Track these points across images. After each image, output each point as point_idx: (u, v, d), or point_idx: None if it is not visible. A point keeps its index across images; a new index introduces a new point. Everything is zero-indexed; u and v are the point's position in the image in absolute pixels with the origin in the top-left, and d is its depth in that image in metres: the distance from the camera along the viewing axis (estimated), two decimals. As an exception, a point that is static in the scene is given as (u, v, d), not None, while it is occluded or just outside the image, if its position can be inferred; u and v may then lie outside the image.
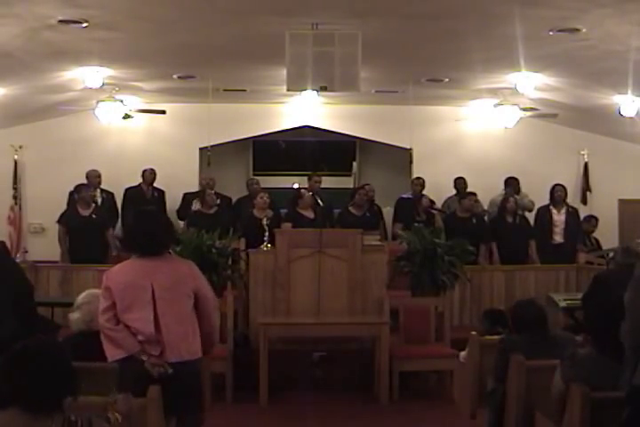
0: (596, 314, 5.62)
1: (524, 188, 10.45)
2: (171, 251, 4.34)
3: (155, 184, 10.36)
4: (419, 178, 10.35)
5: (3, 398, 2.63)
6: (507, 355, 4.46)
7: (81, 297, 4.52)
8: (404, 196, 10.38)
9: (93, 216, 9.12)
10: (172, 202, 10.36)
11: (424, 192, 10.08)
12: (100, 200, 9.62)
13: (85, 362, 3.92)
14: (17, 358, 2.68)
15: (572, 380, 3.71)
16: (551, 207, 9.77)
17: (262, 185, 10.38)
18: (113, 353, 3.95)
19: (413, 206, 9.64)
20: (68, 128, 10.58)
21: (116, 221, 9.80)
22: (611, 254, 7.81)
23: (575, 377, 3.68)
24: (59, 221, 9.23)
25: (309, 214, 8.74)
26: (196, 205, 9.55)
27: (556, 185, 9.82)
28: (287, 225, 8.63)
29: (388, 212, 10.33)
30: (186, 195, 10.27)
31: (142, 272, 4.03)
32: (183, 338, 4.00)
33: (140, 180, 10.26)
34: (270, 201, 8.95)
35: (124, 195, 10.22)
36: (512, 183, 10.36)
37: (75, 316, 4.47)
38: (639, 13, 5.84)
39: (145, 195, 10.20)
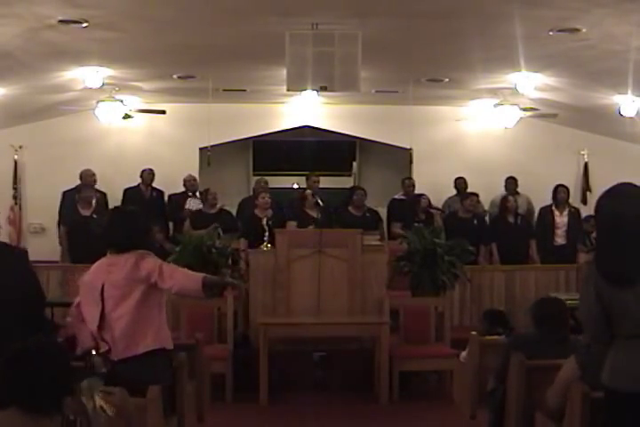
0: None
1: (524, 188, 10.44)
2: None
3: (155, 184, 10.36)
4: (410, 178, 10.36)
5: (2, 398, 2.63)
6: (514, 353, 4.43)
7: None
8: (397, 197, 10.37)
9: (94, 216, 9.12)
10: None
11: (425, 192, 10.06)
12: (94, 200, 9.60)
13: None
14: (16, 359, 2.68)
15: (588, 365, 3.68)
16: (553, 208, 9.74)
17: (262, 185, 10.39)
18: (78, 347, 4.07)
19: (412, 206, 9.63)
20: (68, 128, 10.57)
21: None
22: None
23: (589, 364, 3.65)
24: (60, 222, 9.22)
25: (314, 214, 8.75)
26: (189, 204, 9.58)
27: (559, 186, 9.79)
28: (292, 224, 8.64)
29: (380, 212, 10.32)
30: (171, 196, 10.27)
31: (99, 271, 4.10)
32: (129, 334, 3.97)
33: (140, 180, 10.26)
34: (271, 201, 8.94)
35: (123, 195, 10.21)
36: (511, 183, 10.37)
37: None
38: (639, 13, 5.84)
39: (144, 195, 10.19)
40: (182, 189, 10.32)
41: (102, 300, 4.00)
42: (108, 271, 4.06)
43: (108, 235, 4.22)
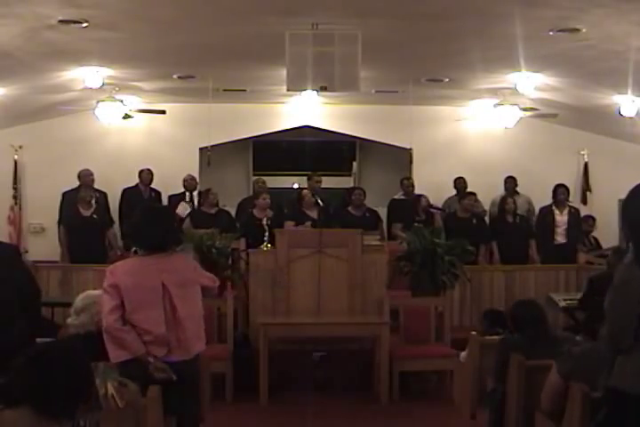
0: (592, 315, 5.65)
1: (524, 188, 10.44)
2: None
3: (155, 184, 10.36)
4: (409, 178, 10.36)
5: (16, 396, 2.62)
6: (507, 355, 4.46)
7: (80, 301, 4.34)
8: (397, 197, 10.38)
9: (94, 216, 9.13)
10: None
11: (424, 192, 10.07)
12: (94, 200, 9.61)
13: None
14: (37, 359, 2.66)
15: (569, 374, 3.71)
16: (554, 208, 9.74)
17: (262, 185, 10.40)
18: (117, 354, 3.87)
19: (412, 206, 9.63)
20: (68, 128, 10.57)
21: (111, 221, 9.76)
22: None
23: (572, 371, 3.67)
24: (61, 222, 9.22)
25: (313, 214, 8.75)
26: (179, 209, 9.56)
27: (559, 186, 9.78)
28: (290, 224, 8.64)
29: (380, 212, 10.32)
30: (171, 197, 10.26)
31: (150, 271, 4.00)
32: (196, 334, 4.05)
33: (138, 180, 10.26)
34: (271, 202, 8.95)
35: (122, 196, 10.22)
36: (510, 183, 10.37)
37: (76, 321, 4.27)
38: (639, 13, 5.84)
39: (142, 195, 10.19)
40: (181, 189, 10.32)
41: (167, 301, 3.96)
42: (161, 271, 4.01)
43: (147, 234, 4.11)
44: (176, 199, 10.11)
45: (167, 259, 4.09)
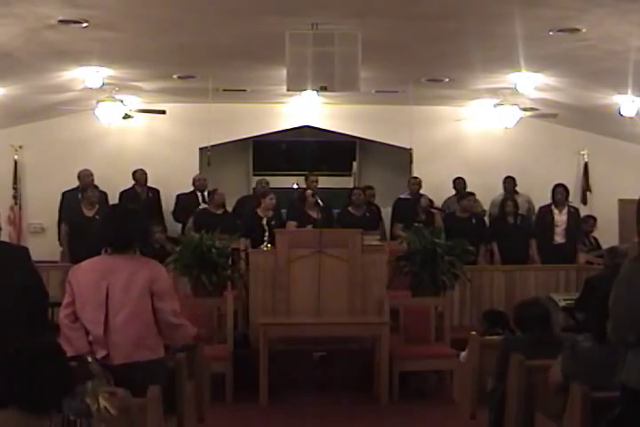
0: (591, 315, 5.61)
1: (524, 188, 10.44)
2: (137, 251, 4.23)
3: (154, 185, 10.36)
4: (415, 177, 10.35)
5: (1, 397, 2.63)
6: (508, 354, 4.46)
7: None
8: (402, 196, 10.38)
9: (97, 217, 9.10)
10: (170, 202, 10.35)
11: (423, 192, 10.08)
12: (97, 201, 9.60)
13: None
14: (16, 358, 2.68)
15: (572, 373, 3.70)
16: (553, 208, 9.74)
17: (262, 185, 10.40)
18: (67, 350, 3.88)
19: (413, 206, 9.64)
20: (68, 128, 10.58)
21: None
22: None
23: (575, 370, 3.67)
24: (63, 221, 9.21)
25: (314, 214, 8.76)
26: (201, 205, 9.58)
27: (558, 185, 9.78)
28: (292, 224, 8.63)
29: (386, 212, 10.33)
30: (179, 196, 10.26)
31: (101, 272, 3.97)
32: (133, 339, 3.90)
33: (133, 181, 10.25)
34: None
35: (119, 198, 10.20)
36: (509, 182, 10.37)
37: None
38: (639, 13, 5.84)
39: (139, 196, 10.18)
40: (182, 189, 10.33)
41: (107, 303, 3.90)
42: (111, 272, 3.95)
43: (109, 233, 4.08)
44: (185, 198, 10.10)
45: (125, 261, 4.01)
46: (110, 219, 4.21)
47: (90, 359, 3.85)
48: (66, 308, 3.98)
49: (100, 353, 3.88)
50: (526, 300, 5.14)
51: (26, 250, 4.27)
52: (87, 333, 3.92)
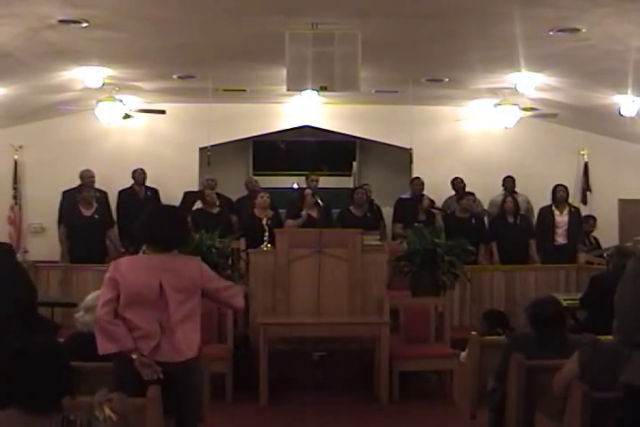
0: (593, 314, 5.57)
1: (524, 188, 10.44)
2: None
3: (154, 185, 10.36)
4: (418, 178, 10.35)
5: (2, 398, 2.63)
6: (514, 353, 4.42)
7: (90, 299, 4.43)
8: (404, 196, 10.38)
9: (95, 216, 9.11)
10: (169, 201, 10.32)
11: (424, 192, 10.08)
12: (94, 200, 9.59)
13: (92, 362, 3.95)
14: (16, 358, 2.68)
15: (590, 365, 3.66)
16: (553, 208, 9.72)
17: (262, 185, 10.40)
18: (106, 347, 3.88)
19: (414, 206, 9.64)
20: (68, 128, 10.57)
21: (112, 220, 9.75)
22: (608, 254, 7.82)
23: (593, 363, 3.62)
24: (62, 222, 9.20)
25: (314, 213, 8.76)
26: (197, 205, 9.55)
27: (558, 185, 9.76)
28: (290, 222, 8.62)
29: (387, 212, 10.32)
30: (187, 194, 10.26)
31: (152, 270, 3.97)
32: (186, 337, 3.96)
33: (132, 181, 10.25)
34: (270, 201, 8.95)
35: (118, 197, 10.22)
36: (508, 182, 10.37)
37: (85, 318, 4.39)
38: (639, 13, 5.84)
39: (138, 195, 10.19)
40: (182, 189, 10.35)
41: (162, 301, 3.92)
42: (163, 271, 3.96)
43: (158, 233, 4.07)
44: (192, 196, 10.08)
45: (172, 260, 4.05)
46: (158, 219, 4.18)
47: (135, 356, 3.86)
48: (107, 304, 3.92)
49: (146, 349, 3.89)
50: (541, 297, 5.04)
51: (10, 247, 4.25)
52: (131, 329, 3.91)
